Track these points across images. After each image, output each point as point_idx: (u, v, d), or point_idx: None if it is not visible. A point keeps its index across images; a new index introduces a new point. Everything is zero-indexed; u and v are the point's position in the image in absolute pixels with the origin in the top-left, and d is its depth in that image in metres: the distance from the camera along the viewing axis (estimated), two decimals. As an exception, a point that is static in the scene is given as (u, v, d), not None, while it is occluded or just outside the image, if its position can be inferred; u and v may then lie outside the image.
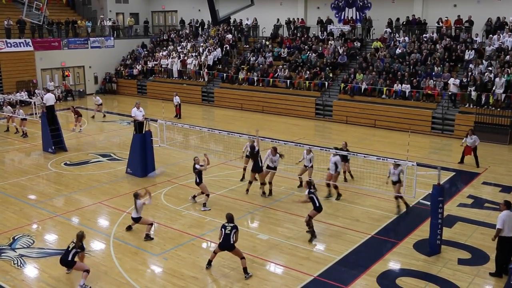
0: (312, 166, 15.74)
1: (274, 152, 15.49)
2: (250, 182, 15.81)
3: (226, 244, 10.74)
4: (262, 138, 16.32)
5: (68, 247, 10.58)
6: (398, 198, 14.35)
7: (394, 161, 14.00)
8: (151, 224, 12.91)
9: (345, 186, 16.06)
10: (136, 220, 12.75)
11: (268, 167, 15.65)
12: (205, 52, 35.53)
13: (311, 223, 12.70)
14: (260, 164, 15.49)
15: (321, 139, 24.01)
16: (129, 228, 13.24)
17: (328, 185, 15.60)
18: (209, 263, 11.19)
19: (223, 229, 10.84)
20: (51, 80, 34.31)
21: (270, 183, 15.69)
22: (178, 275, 10.90)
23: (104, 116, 28.93)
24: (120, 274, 10.99)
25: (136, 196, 12.70)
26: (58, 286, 10.52)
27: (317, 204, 12.45)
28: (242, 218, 14.09)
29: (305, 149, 15.64)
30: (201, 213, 14.35)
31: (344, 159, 16.24)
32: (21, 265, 11.45)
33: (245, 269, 10.83)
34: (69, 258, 10.45)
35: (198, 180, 14.65)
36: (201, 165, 14.55)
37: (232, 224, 10.90)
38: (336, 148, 16.08)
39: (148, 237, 12.73)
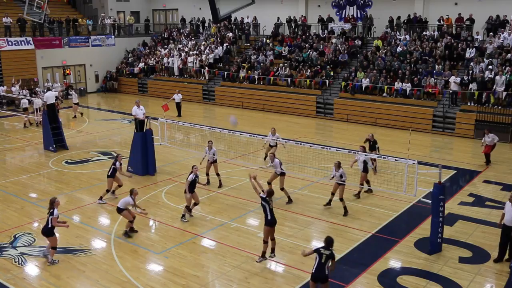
0: (344, 182, 14.22)
1: (273, 158, 15.04)
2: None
3: (273, 221, 11.04)
4: (263, 137, 16.29)
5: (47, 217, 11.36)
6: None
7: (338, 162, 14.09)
8: (131, 222, 12.82)
9: (346, 185, 16.01)
10: (119, 210, 12.72)
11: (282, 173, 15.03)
12: (206, 50, 35.52)
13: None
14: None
15: (322, 138, 24.01)
16: (128, 234, 12.94)
17: (362, 184, 15.35)
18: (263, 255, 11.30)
19: (267, 205, 10.96)
20: (56, 82, 34.29)
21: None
22: (179, 274, 10.91)
23: (75, 117, 28.08)
24: (121, 272, 11.01)
25: (131, 192, 12.72)
26: (59, 284, 10.53)
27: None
28: (243, 217, 14.10)
29: (334, 165, 14.21)
30: (202, 212, 14.35)
31: (372, 148, 16.80)
32: (22, 263, 11.47)
33: (272, 249, 11.35)
34: (49, 225, 11.23)
35: (187, 190, 13.63)
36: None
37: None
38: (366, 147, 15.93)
39: (126, 234, 12.76)
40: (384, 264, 11.41)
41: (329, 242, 9.13)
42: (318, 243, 12.22)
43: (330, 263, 9.06)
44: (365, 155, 15.01)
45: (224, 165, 18.59)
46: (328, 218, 13.85)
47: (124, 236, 12.77)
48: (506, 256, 11.39)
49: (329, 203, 14.69)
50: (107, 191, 15.22)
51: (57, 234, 12.89)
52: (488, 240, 12.45)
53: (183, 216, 13.79)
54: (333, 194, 14.55)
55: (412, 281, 10.63)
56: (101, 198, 15.17)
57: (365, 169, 15.20)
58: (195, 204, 13.96)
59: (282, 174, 14.91)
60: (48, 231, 11.30)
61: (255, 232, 13.11)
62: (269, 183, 14.95)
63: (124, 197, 13.02)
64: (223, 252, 11.84)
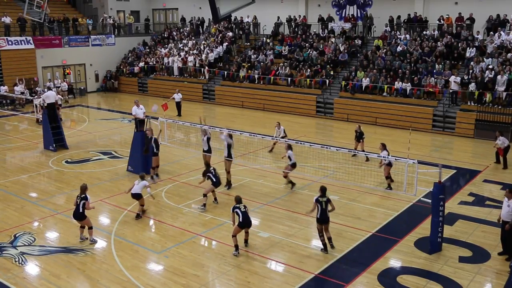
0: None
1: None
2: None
3: (247, 221, 11.64)
4: (263, 136, 16.29)
5: (76, 202, 12.13)
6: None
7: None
8: (143, 205, 13.88)
9: (345, 184, 16.04)
10: (135, 196, 13.69)
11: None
12: (206, 50, 35.52)
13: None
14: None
15: (322, 137, 24.01)
16: (140, 216, 13.87)
17: (387, 177, 15.98)
18: (237, 248, 11.65)
19: (237, 210, 11.59)
20: (56, 79, 34.30)
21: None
22: (179, 273, 10.91)
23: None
24: (121, 271, 11.01)
25: (143, 177, 13.84)
26: (59, 283, 10.53)
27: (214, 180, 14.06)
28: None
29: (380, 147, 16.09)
30: (202, 211, 14.35)
31: (359, 138, 18.96)
32: (23, 262, 11.47)
33: (246, 241, 11.99)
34: (80, 210, 12.03)
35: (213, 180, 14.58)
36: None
37: (243, 204, 11.69)
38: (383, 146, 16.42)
39: (138, 216, 13.74)
40: (384, 263, 11.41)
41: (323, 190, 11.69)
42: (318, 242, 12.25)
43: (330, 207, 11.63)
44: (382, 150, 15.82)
45: (223, 165, 18.58)
46: (328, 217, 13.83)
47: (136, 218, 13.71)
48: (506, 256, 11.44)
49: (389, 187, 15.77)
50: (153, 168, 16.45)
51: (57, 234, 12.95)
52: (488, 239, 12.45)
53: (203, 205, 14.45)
54: (387, 177, 15.86)
55: (412, 281, 10.63)
56: (152, 177, 16.38)
57: (389, 163, 15.73)
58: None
59: (294, 165, 15.95)
60: (81, 215, 12.13)
61: (255, 231, 13.11)
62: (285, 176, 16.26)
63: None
64: (223, 252, 11.85)
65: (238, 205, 11.67)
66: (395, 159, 14.87)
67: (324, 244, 11.86)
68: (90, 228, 12.35)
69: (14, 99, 30.95)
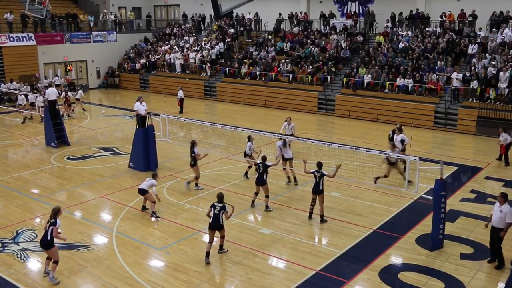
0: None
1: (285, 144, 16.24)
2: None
3: (216, 224, 11.04)
4: (264, 133, 16.29)
5: (45, 227, 10.37)
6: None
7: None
8: (154, 202, 13.72)
9: (347, 181, 16.04)
10: (142, 191, 13.65)
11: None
12: (207, 46, 35.48)
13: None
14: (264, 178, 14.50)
15: (324, 134, 23.99)
16: (144, 208, 14.12)
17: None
18: (207, 255, 11.18)
19: (212, 208, 11.12)
20: (56, 75, 34.29)
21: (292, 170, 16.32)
22: (180, 269, 10.93)
23: (69, 116, 27.32)
24: (123, 268, 11.03)
25: (154, 176, 13.89)
26: (61, 279, 10.55)
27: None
28: (245, 212, 14.12)
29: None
30: (204, 208, 14.36)
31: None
32: (25, 258, 11.51)
33: (221, 246, 11.53)
34: (48, 238, 10.19)
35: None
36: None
37: (221, 204, 11.11)
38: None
39: (153, 214, 13.70)
40: (385, 260, 11.42)
41: (319, 165, 13.05)
42: (319, 239, 12.26)
43: (322, 181, 12.89)
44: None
45: (225, 161, 18.62)
46: (329, 214, 13.84)
47: (151, 216, 13.62)
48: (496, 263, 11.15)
49: (404, 170, 15.65)
50: (197, 178, 15.85)
51: (59, 230, 12.94)
52: (489, 236, 12.42)
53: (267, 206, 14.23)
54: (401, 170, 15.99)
55: (413, 277, 10.64)
56: (196, 184, 15.95)
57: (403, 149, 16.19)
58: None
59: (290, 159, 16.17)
60: (48, 244, 10.25)
61: (256, 228, 13.14)
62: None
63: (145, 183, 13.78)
64: (224, 248, 11.84)
65: (216, 204, 11.11)
66: (397, 156, 14.87)
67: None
68: (55, 262, 10.40)
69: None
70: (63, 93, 26.91)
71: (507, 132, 18.61)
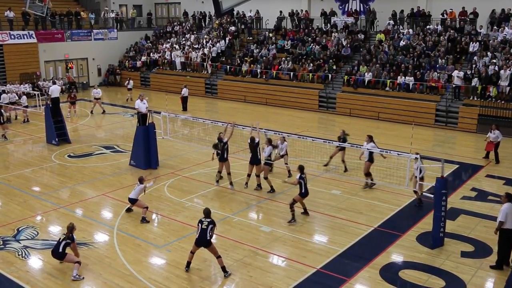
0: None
1: (269, 144, 16.06)
2: (249, 175, 15.74)
3: (203, 240, 10.35)
4: (265, 130, 16.31)
5: (59, 238, 10.80)
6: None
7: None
8: (146, 208, 13.43)
9: (348, 179, 16.05)
10: (132, 201, 13.39)
11: (265, 163, 15.62)
12: (208, 44, 35.45)
13: (293, 207, 13.16)
14: (259, 157, 15.33)
15: (325, 132, 23.98)
16: (129, 210, 13.82)
17: (366, 174, 15.81)
18: (188, 265, 10.74)
19: (199, 224, 10.49)
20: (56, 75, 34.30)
21: (266, 178, 15.41)
22: (181, 267, 10.93)
23: (104, 112, 28.00)
24: (124, 265, 11.05)
25: (141, 180, 13.37)
26: (62, 277, 10.57)
27: (303, 190, 13.11)
28: (245, 211, 14.13)
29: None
30: (204, 206, 14.33)
31: (342, 148, 17.00)
32: (26, 256, 11.52)
33: (223, 268, 10.48)
34: (60, 250, 10.59)
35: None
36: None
37: (209, 219, 10.51)
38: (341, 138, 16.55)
39: (144, 220, 13.24)
40: (386, 258, 11.43)
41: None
42: (320, 237, 12.25)
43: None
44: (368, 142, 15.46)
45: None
46: (330, 212, 13.86)
47: (141, 222, 13.19)
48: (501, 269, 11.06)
49: (367, 186, 15.65)
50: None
51: (60, 227, 12.97)
52: (490, 234, 12.38)
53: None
54: (366, 175, 15.70)
55: (414, 275, 10.64)
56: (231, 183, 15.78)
57: (371, 159, 15.49)
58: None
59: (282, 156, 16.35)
60: (60, 255, 10.62)
61: (257, 226, 13.14)
62: (266, 178, 15.65)
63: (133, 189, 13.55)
64: (225, 246, 11.86)
65: (203, 219, 10.54)
66: (398, 154, 14.85)
67: (293, 216, 13.18)
68: (77, 263, 10.65)
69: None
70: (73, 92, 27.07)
71: (499, 130, 18.55)
